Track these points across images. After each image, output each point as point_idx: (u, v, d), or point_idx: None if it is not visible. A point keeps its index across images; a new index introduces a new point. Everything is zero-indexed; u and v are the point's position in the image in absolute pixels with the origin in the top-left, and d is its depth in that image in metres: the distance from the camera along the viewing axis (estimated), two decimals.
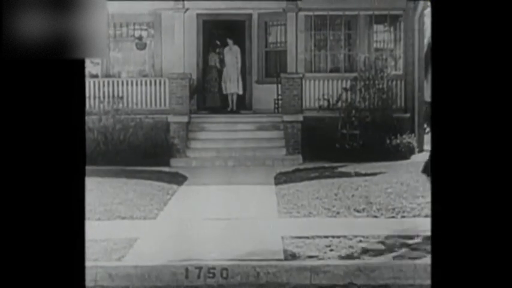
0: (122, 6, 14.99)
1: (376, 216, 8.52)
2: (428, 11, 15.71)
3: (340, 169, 12.94)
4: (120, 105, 15.33)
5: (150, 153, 14.19)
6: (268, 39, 17.39)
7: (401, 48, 16.40)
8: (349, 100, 15.49)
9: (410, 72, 16.08)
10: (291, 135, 15.04)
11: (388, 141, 14.57)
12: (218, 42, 17.02)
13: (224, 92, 16.81)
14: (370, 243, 7.06)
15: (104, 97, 15.53)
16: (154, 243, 7.28)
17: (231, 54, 16.64)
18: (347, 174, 12.05)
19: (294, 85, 15.31)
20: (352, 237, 7.27)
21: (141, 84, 15.86)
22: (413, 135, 15.28)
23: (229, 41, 16.63)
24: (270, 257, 6.57)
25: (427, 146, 15.18)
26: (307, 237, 7.25)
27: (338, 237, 7.27)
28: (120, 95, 15.68)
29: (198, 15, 16.89)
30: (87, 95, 14.98)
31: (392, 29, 16.71)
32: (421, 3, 15.75)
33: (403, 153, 14.56)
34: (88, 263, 4.84)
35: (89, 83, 15.36)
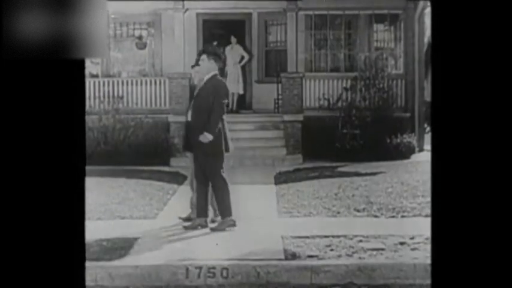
0: (122, 6, 14.99)
1: (376, 216, 8.52)
2: (428, 11, 15.70)
3: (340, 169, 12.93)
4: (120, 105, 15.33)
5: (150, 153, 14.19)
6: (268, 39, 17.38)
7: (402, 47, 16.39)
8: (349, 100, 15.49)
9: (411, 72, 16.08)
10: (291, 134, 15.03)
11: (388, 141, 14.56)
12: (216, 43, 16.97)
13: None
14: (371, 243, 7.06)
15: (104, 97, 15.53)
16: (155, 243, 7.27)
17: (233, 53, 16.62)
18: (347, 174, 12.05)
19: (294, 85, 15.30)
20: (353, 236, 7.27)
21: (141, 84, 15.86)
22: (413, 134, 15.28)
23: (233, 39, 16.60)
24: (270, 256, 6.57)
25: (428, 146, 15.18)
26: (308, 237, 7.24)
27: (338, 236, 7.26)
28: (120, 94, 15.68)
29: (198, 14, 16.88)
30: (87, 94, 14.98)
31: (392, 28, 16.70)
32: (421, 2, 15.75)
33: (403, 152, 14.56)
34: (88, 263, 4.83)
35: (89, 82, 15.36)
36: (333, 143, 14.65)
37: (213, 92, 7.83)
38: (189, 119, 7.91)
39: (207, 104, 7.78)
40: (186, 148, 8.16)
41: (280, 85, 15.69)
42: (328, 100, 15.67)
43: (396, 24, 16.59)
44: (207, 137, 7.69)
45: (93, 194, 9.56)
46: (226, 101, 7.99)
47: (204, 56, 7.99)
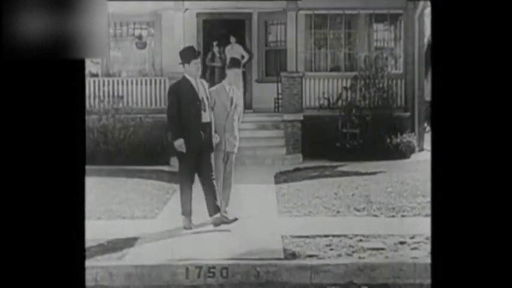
0: (122, 5, 15.00)
1: (376, 216, 8.52)
2: (428, 11, 15.71)
3: (340, 168, 12.94)
4: (120, 104, 15.33)
5: (150, 153, 14.18)
6: (268, 38, 17.38)
7: (402, 47, 16.41)
8: (349, 99, 15.49)
9: (411, 71, 16.09)
10: (291, 134, 15.03)
11: (388, 140, 14.57)
12: (216, 42, 16.98)
13: None
14: (371, 242, 7.06)
15: (104, 96, 15.53)
16: (155, 242, 7.28)
17: (233, 53, 16.61)
18: (347, 173, 12.06)
19: (294, 84, 15.30)
20: (352, 236, 7.27)
21: (141, 84, 15.86)
22: (413, 134, 15.29)
23: (232, 39, 16.60)
24: (270, 256, 6.57)
25: (427, 145, 15.19)
26: (307, 237, 7.25)
27: (338, 236, 7.27)
28: (120, 94, 15.69)
29: (198, 14, 16.89)
30: (87, 94, 14.98)
31: (392, 27, 16.71)
32: (421, 2, 15.76)
33: (403, 152, 14.57)
34: (88, 263, 4.83)
35: (89, 82, 15.37)
36: (333, 143, 14.66)
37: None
38: (208, 120, 8.02)
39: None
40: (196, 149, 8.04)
41: (280, 84, 15.69)
42: (328, 99, 15.69)
43: (396, 24, 16.60)
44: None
45: (93, 194, 9.57)
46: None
47: (199, 60, 8.17)
